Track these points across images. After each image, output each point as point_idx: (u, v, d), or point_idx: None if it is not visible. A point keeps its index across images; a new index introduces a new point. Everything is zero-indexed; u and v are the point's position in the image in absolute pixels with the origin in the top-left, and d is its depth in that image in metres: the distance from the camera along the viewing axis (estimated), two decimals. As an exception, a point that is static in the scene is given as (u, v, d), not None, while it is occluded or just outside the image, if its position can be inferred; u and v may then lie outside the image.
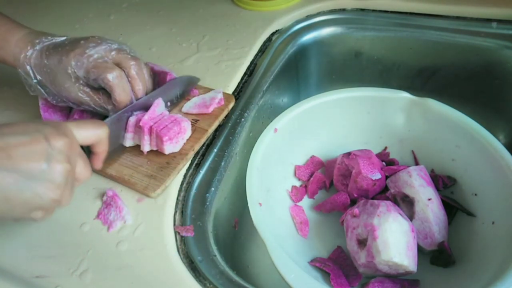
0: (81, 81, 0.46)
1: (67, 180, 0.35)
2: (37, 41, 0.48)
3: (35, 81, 0.48)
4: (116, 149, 0.48)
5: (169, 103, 0.52)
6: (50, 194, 0.34)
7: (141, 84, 0.48)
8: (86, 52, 0.45)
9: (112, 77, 0.45)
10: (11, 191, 0.32)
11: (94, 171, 0.48)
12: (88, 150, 0.42)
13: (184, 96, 0.54)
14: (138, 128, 0.47)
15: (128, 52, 0.48)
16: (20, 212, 0.34)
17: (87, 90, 0.47)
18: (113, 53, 0.47)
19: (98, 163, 0.43)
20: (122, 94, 0.46)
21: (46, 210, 0.35)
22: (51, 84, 0.47)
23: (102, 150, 0.42)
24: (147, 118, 0.46)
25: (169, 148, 0.47)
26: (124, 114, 0.46)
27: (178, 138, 0.48)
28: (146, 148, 0.47)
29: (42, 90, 0.48)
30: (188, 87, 0.54)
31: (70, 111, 0.53)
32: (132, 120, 0.47)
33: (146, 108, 0.48)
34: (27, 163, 0.32)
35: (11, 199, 0.32)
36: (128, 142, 0.48)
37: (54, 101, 0.49)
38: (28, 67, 0.47)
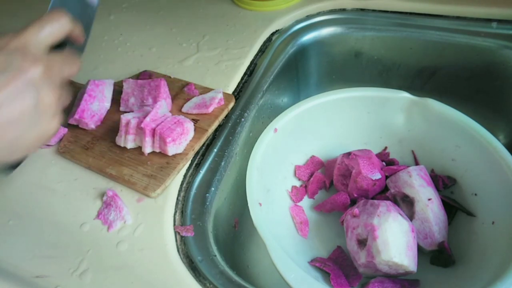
0: None
1: (60, 102, 0.34)
2: None
3: None
4: (88, 19, 0.44)
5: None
6: (52, 127, 0.34)
7: None
8: None
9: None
10: (18, 139, 0.32)
11: (94, 170, 0.48)
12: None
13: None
14: (139, 129, 0.47)
15: None
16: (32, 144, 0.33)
17: None
18: None
19: (81, 38, 0.40)
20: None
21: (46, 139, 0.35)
22: None
23: (78, 32, 0.39)
24: (148, 120, 0.46)
25: (173, 149, 0.47)
26: None
27: (181, 139, 0.48)
28: (147, 150, 0.47)
29: None
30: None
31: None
32: (133, 122, 0.47)
33: None
34: (14, 107, 0.31)
35: (20, 144, 0.32)
36: (130, 144, 0.48)
37: None
38: None
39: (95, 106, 0.52)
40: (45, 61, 0.34)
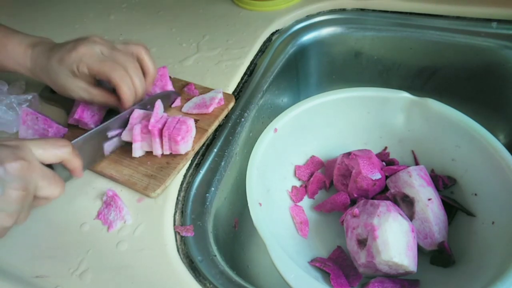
0: (83, 80, 0.47)
1: (22, 206, 0.34)
2: (35, 43, 0.48)
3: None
4: (97, 159, 0.48)
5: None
6: (2, 223, 0.34)
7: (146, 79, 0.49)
8: (90, 50, 0.46)
9: (118, 76, 0.45)
10: None
11: (94, 170, 0.48)
12: None
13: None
14: (145, 134, 0.47)
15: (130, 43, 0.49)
16: None
17: (89, 88, 0.47)
18: (118, 46, 0.48)
19: (77, 174, 0.42)
20: (127, 92, 0.46)
21: None
22: (53, 85, 0.48)
23: (72, 166, 0.41)
24: (154, 121, 0.46)
25: (184, 147, 0.47)
26: (99, 128, 0.46)
27: (188, 137, 0.48)
28: (158, 151, 0.47)
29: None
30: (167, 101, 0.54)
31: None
32: (137, 129, 0.47)
33: (125, 122, 0.48)
34: None
35: None
36: (138, 152, 0.47)
37: None
38: (28, 69, 0.48)
39: (95, 106, 0.52)
40: (28, 164, 0.35)
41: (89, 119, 0.51)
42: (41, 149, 0.37)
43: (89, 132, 0.45)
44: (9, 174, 0.33)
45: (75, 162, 0.41)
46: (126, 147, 0.49)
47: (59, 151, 0.39)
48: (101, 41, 0.47)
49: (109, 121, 0.47)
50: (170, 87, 0.54)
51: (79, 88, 0.47)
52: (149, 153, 0.48)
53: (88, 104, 0.51)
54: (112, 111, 0.51)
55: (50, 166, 0.39)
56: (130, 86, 0.46)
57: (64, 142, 0.40)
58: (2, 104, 0.53)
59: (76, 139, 0.44)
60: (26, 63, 0.48)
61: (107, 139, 0.48)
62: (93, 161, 0.47)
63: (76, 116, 0.51)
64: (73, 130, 0.52)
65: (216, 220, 0.47)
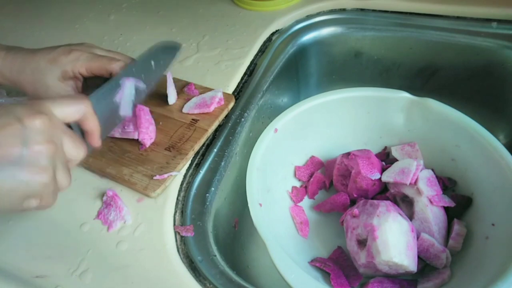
0: (71, 84, 0.47)
1: (53, 161, 0.32)
2: (10, 47, 0.47)
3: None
4: (111, 124, 0.45)
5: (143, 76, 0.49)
6: (36, 178, 0.31)
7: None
8: (86, 51, 0.46)
9: (119, 66, 0.45)
10: None
11: (93, 170, 0.48)
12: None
13: (166, 65, 0.51)
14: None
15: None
16: (10, 203, 0.31)
17: (75, 93, 0.47)
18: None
19: (93, 141, 0.39)
20: None
21: (40, 196, 0.32)
22: (32, 87, 0.46)
23: (91, 126, 0.38)
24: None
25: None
26: (111, 84, 0.43)
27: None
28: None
29: None
30: (169, 54, 0.51)
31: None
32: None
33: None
34: (1, 150, 0.30)
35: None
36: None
37: None
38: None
39: None
40: (49, 118, 0.33)
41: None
42: (60, 105, 0.35)
43: (102, 87, 0.42)
44: (30, 129, 0.31)
45: (94, 121, 0.38)
46: (126, 147, 0.49)
47: (79, 105, 0.36)
48: (95, 46, 0.48)
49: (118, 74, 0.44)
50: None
51: (64, 92, 0.46)
52: (149, 153, 0.48)
53: None
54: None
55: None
56: None
57: (82, 96, 0.38)
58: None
59: (92, 94, 0.40)
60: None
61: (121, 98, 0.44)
62: (110, 125, 0.44)
63: None
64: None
65: (216, 220, 0.47)
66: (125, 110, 0.45)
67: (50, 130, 0.32)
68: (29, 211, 0.33)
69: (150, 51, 0.48)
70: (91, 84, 0.50)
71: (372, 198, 0.51)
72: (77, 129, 0.38)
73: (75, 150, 0.35)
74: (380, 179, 0.50)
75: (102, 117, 0.40)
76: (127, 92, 0.44)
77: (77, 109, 0.36)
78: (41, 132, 0.32)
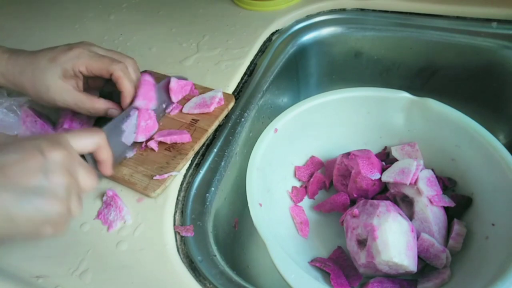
0: (72, 83, 0.47)
1: (69, 191, 0.34)
2: (12, 50, 0.47)
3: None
4: (122, 153, 0.48)
5: (164, 105, 0.53)
6: (54, 208, 0.33)
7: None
8: (86, 50, 0.46)
9: (119, 68, 0.45)
10: (12, 209, 0.31)
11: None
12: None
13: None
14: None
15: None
16: (27, 229, 0.33)
17: (75, 92, 0.47)
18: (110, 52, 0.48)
19: (106, 170, 0.42)
20: (129, 85, 0.46)
21: (55, 224, 0.34)
22: (33, 88, 0.46)
23: (105, 156, 0.40)
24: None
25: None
26: (120, 118, 0.46)
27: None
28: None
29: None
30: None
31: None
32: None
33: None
34: (24, 179, 0.31)
35: (14, 217, 0.31)
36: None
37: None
38: (2, 75, 0.47)
39: (83, 115, 0.52)
40: (68, 152, 0.34)
41: (79, 128, 0.51)
42: (77, 137, 0.37)
43: (114, 119, 0.45)
44: (51, 162, 0.33)
45: (108, 152, 0.40)
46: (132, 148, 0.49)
47: (94, 138, 0.38)
48: (95, 45, 0.48)
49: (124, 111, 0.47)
50: (153, 94, 0.50)
51: (65, 91, 0.46)
52: (149, 153, 0.48)
53: (74, 113, 0.50)
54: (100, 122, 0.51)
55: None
56: (131, 79, 0.47)
57: (97, 129, 0.40)
58: (3, 106, 0.53)
59: (105, 126, 0.44)
60: (0, 68, 0.47)
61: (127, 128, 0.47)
62: (120, 154, 0.47)
63: (65, 125, 0.50)
64: (73, 130, 0.52)
65: (216, 220, 0.47)
66: (130, 138, 0.48)
67: (67, 163, 0.34)
68: (43, 238, 0.35)
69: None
70: (92, 85, 0.50)
71: (372, 198, 0.51)
72: (90, 158, 0.40)
73: (88, 181, 0.37)
74: (380, 179, 0.50)
75: (113, 147, 0.42)
76: (133, 121, 0.47)
77: (93, 141, 0.38)
78: (60, 164, 0.33)
